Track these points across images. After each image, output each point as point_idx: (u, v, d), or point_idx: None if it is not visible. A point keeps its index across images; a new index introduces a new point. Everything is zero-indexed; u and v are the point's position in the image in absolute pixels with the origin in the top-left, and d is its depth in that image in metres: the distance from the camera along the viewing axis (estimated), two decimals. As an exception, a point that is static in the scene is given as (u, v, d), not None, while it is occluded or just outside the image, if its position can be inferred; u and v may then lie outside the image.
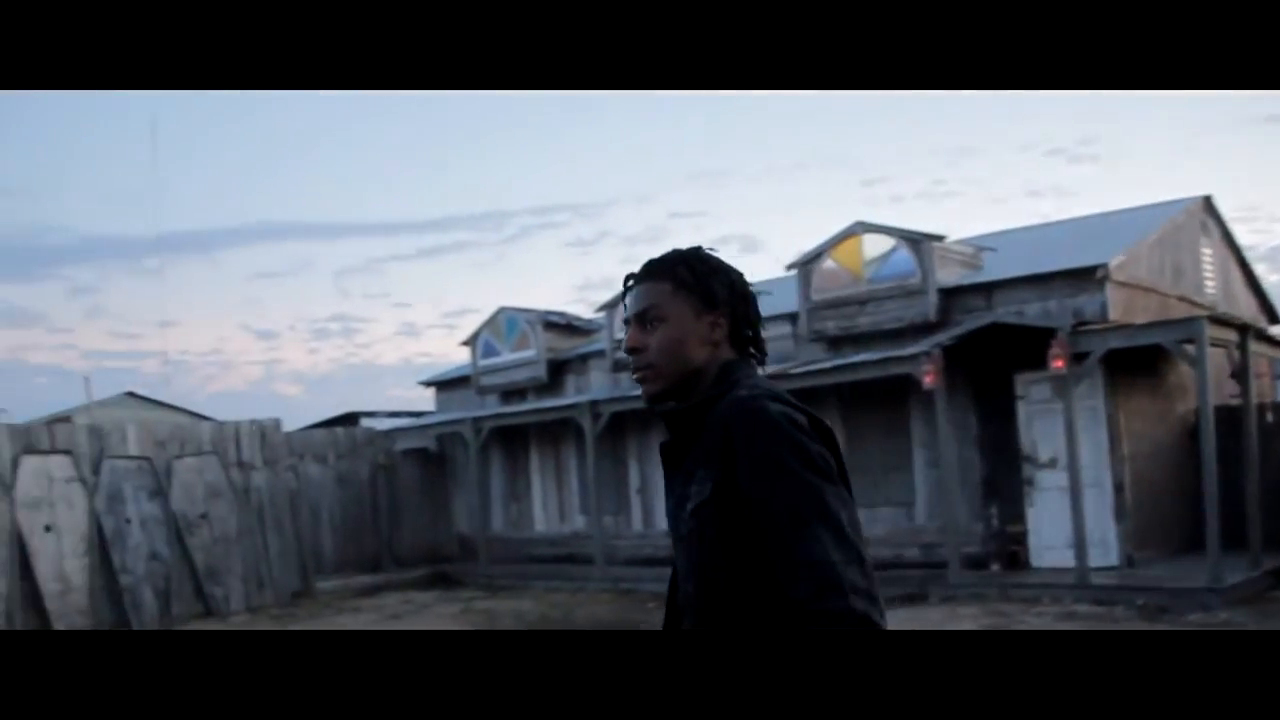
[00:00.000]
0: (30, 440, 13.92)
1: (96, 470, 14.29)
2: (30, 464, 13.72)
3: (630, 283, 2.03)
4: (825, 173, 56.40)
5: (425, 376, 21.09)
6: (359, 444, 18.56)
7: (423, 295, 70.81)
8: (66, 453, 14.10)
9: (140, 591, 14.20)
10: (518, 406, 17.93)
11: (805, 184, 55.70)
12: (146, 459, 14.82)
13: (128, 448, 14.72)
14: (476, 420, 17.56)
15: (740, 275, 2.02)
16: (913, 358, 12.21)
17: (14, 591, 13.08)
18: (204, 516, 15.15)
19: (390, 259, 60.78)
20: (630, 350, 1.99)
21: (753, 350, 2.02)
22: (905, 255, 13.61)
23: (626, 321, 2.02)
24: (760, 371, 2.01)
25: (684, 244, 2.05)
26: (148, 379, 69.62)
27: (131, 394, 24.64)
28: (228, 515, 15.39)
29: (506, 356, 18.42)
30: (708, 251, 2.01)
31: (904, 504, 13.73)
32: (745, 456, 1.77)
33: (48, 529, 13.65)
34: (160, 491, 14.83)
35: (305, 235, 62.00)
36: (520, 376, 18.27)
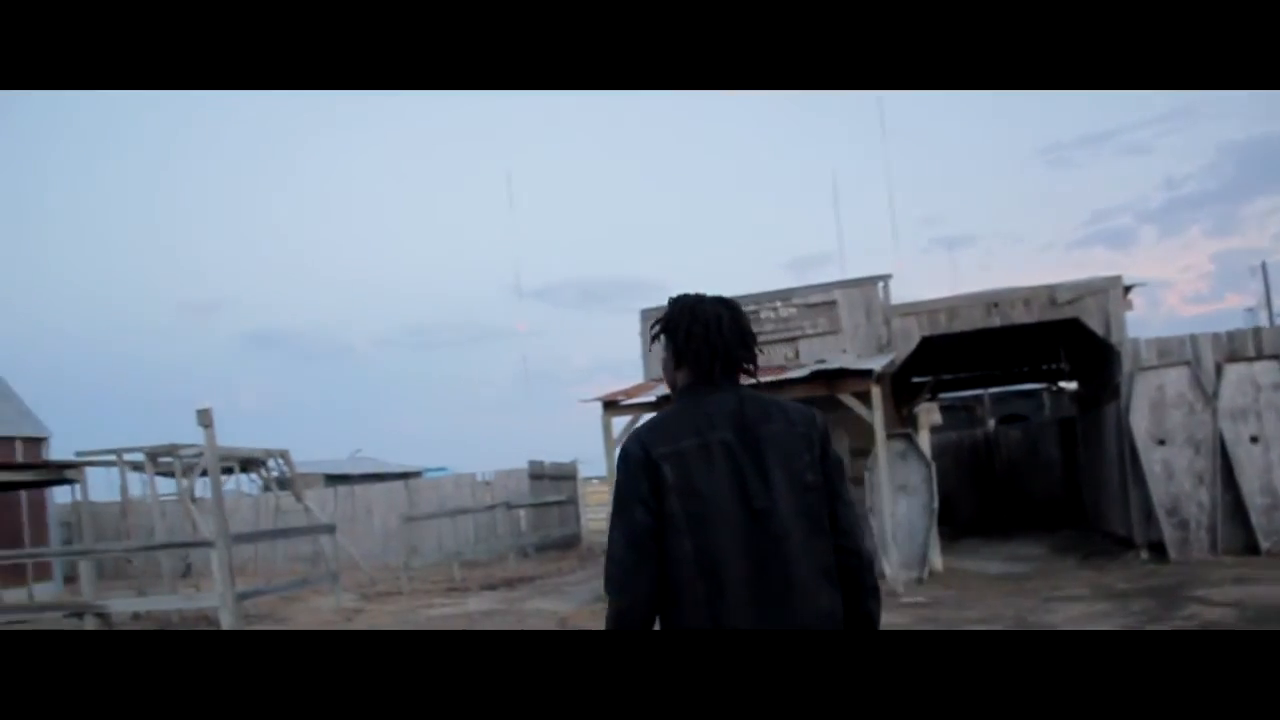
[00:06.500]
0: (1234, 348, 13.63)
1: (1308, 375, 13.29)
2: (1234, 371, 13.47)
3: None
4: None
5: None
6: None
7: None
8: (1274, 358, 13.42)
9: (1358, 511, 12.83)
10: None
11: None
12: (1370, 362, 13.19)
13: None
14: None
15: (680, 314, 2.55)
16: None
17: (1216, 503, 13.07)
18: None
19: None
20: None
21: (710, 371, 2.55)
22: None
23: None
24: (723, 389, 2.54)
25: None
26: None
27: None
28: None
29: None
30: (677, 297, 2.59)
31: None
32: None
33: (1253, 440, 13.25)
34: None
35: None
36: None
